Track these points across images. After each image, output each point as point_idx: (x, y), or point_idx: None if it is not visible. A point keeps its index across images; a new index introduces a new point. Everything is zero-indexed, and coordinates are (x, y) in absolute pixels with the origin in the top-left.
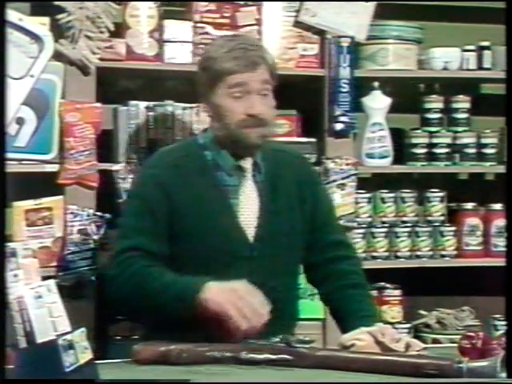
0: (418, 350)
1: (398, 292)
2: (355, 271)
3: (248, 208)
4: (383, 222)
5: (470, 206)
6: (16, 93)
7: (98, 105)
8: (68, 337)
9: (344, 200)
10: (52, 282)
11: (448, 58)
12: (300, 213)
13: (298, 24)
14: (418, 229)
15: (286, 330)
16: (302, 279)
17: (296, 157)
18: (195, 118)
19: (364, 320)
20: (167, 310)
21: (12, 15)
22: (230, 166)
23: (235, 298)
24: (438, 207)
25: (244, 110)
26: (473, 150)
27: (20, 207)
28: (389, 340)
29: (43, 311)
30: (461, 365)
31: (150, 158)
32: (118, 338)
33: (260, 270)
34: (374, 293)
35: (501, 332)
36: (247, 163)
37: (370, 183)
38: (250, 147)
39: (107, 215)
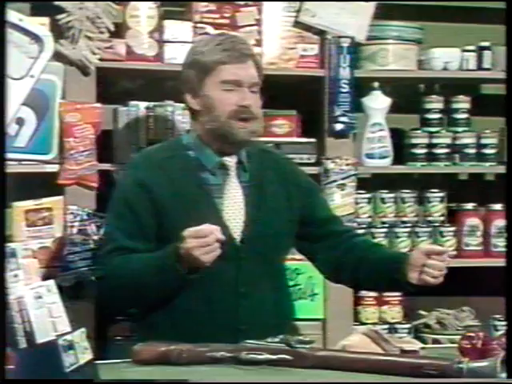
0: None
1: (398, 292)
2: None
3: (233, 207)
4: (383, 223)
5: (470, 206)
6: (16, 93)
7: (98, 105)
8: (68, 337)
9: (344, 200)
10: (52, 282)
11: (448, 58)
12: (287, 213)
13: (297, 24)
14: (418, 229)
15: (283, 331)
16: (302, 279)
17: (281, 158)
18: None
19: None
20: (156, 284)
21: (12, 15)
22: (213, 165)
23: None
24: (437, 207)
25: (236, 101)
26: (473, 151)
27: (20, 207)
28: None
29: (43, 311)
30: (461, 365)
31: (134, 158)
32: (118, 338)
33: (247, 271)
34: (374, 293)
35: (501, 332)
36: (231, 161)
37: (370, 183)
38: (239, 142)
39: None
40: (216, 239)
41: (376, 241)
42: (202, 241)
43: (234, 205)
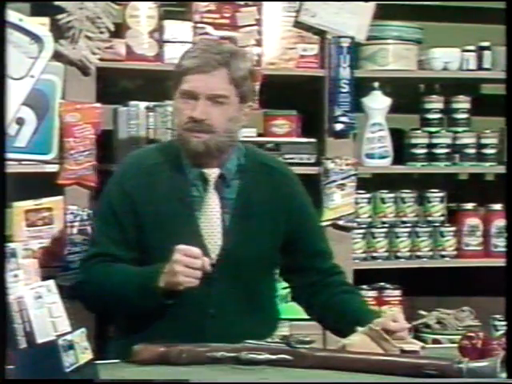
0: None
1: (397, 292)
2: (346, 282)
3: (209, 224)
4: (383, 223)
5: (469, 206)
6: (16, 93)
7: (98, 105)
8: (68, 337)
9: (344, 200)
10: (52, 282)
11: (448, 59)
12: (270, 239)
13: (297, 24)
14: (418, 229)
15: None
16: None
17: (281, 176)
18: None
19: (365, 315)
20: (134, 302)
21: (12, 15)
22: (193, 176)
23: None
24: (437, 207)
25: (188, 112)
26: (473, 151)
27: (20, 207)
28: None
29: (43, 311)
30: (461, 365)
31: (125, 160)
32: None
33: (219, 292)
34: (374, 293)
35: (501, 332)
36: (211, 174)
37: (370, 183)
38: (192, 152)
39: None
40: (202, 266)
41: (376, 241)
42: (189, 260)
43: (210, 221)
